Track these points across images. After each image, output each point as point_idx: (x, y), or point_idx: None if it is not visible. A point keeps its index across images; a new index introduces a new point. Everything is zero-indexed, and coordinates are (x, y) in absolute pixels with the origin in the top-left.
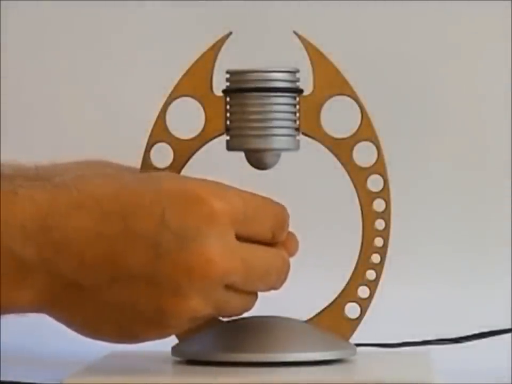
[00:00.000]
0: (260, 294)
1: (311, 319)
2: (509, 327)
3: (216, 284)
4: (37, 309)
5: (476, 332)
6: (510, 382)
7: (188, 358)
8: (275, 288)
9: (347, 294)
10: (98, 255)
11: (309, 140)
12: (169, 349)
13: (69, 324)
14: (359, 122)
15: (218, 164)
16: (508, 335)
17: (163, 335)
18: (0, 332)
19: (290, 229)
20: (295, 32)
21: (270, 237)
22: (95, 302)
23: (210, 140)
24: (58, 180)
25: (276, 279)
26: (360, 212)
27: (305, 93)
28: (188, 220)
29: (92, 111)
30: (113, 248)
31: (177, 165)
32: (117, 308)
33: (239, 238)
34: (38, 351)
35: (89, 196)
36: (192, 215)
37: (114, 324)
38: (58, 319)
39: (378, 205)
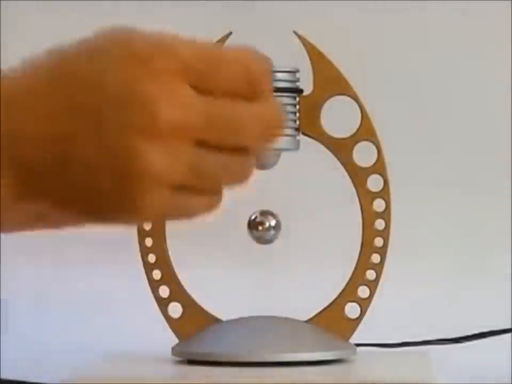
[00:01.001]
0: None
1: (311, 319)
2: (509, 327)
3: (174, 137)
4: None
5: (476, 332)
6: (510, 382)
7: (188, 358)
8: (256, 144)
9: (347, 294)
10: (44, 135)
11: (309, 139)
12: (169, 349)
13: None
14: (359, 122)
15: None
16: (508, 335)
17: (131, 211)
18: (0, 331)
19: (290, 228)
20: (295, 32)
21: (245, 88)
22: (58, 185)
23: None
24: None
25: (252, 132)
26: (360, 211)
27: (305, 93)
28: (131, 79)
29: None
30: (56, 128)
31: None
32: (77, 187)
33: (201, 91)
34: (39, 350)
35: (35, 78)
36: (135, 77)
37: (82, 200)
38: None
39: (378, 205)
